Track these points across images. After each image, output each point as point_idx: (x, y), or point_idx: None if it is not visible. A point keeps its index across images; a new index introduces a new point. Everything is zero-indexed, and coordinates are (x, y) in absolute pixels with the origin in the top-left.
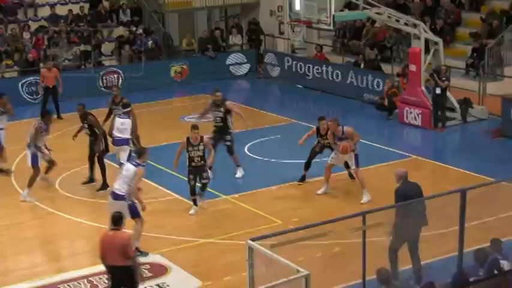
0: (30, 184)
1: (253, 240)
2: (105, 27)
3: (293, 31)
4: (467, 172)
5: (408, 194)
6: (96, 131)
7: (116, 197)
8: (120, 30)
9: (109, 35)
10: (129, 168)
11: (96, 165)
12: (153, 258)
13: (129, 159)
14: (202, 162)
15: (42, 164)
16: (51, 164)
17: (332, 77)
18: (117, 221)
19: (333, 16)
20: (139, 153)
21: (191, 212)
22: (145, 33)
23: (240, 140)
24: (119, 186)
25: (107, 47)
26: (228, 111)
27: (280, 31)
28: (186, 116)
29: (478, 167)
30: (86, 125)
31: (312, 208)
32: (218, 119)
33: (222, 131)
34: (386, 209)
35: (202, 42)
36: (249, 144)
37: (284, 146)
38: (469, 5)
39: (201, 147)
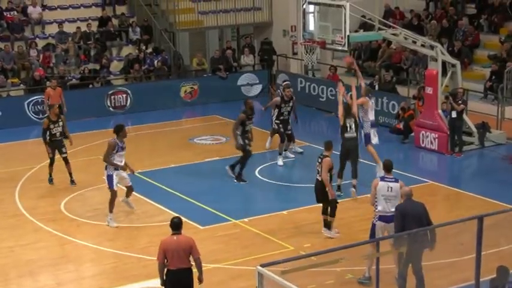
0: (110, 208)
1: (263, 266)
2: (114, 45)
3: (307, 52)
4: (485, 198)
5: (407, 211)
6: (66, 131)
7: (389, 219)
8: (130, 49)
9: (118, 54)
10: (395, 187)
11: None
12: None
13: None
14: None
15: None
16: (129, 189)
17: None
18: (178, 226)
19: (348, 37)
20: (387, 168)
21: (327, 233)
22: (155, 52)
23: (250, 162)
24: (383, 208)
25: (115, 66)
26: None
27: (293, 51)
28: (195, 137)
29: (496, 193)
30: (60, 123)
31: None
32: (286, 113)
33: (287, 123)
34: (399, 236)
35: (214, 62)
36: (260, 167)
37: (296, 169)
38: (487, 27)
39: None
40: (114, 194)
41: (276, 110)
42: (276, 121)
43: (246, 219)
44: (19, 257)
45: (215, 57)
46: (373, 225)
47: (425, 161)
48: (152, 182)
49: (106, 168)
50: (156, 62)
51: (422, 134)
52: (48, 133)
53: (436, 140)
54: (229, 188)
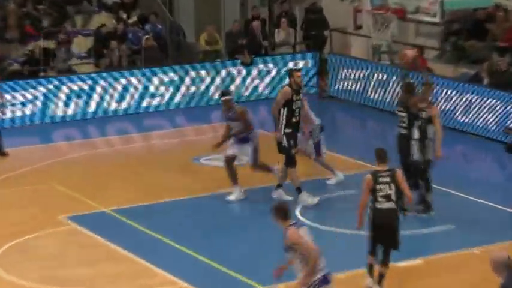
0: None
1: None
2: (78, 12)
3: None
4: None
5: None
6: None
7: None
8: (103, 18)
9: (84, 25)
10: None
11: None
12: None
13: None
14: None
15: None
16: None
17: (437, 97)
18: None
19: (442, 2)
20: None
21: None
22: (141, 23)
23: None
24: None
25: (80, 44)
26: None
27: (355, 25)
28: (203, 156)
29: None
30: None
31: None
32: (298, 110)
33: (297, 131)
34: None
35: (232, 40)
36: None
37: (354, 207)
38: None
39: None
40: None
41: (285, 110)
42: (287, 130)
43: (282, 286)
44: None
45: (234, 32)
46: None
47: None
48: (137, 226)
49: None
50: (143, 38)
51: None
52: None
53: None
54: (256, 239)
